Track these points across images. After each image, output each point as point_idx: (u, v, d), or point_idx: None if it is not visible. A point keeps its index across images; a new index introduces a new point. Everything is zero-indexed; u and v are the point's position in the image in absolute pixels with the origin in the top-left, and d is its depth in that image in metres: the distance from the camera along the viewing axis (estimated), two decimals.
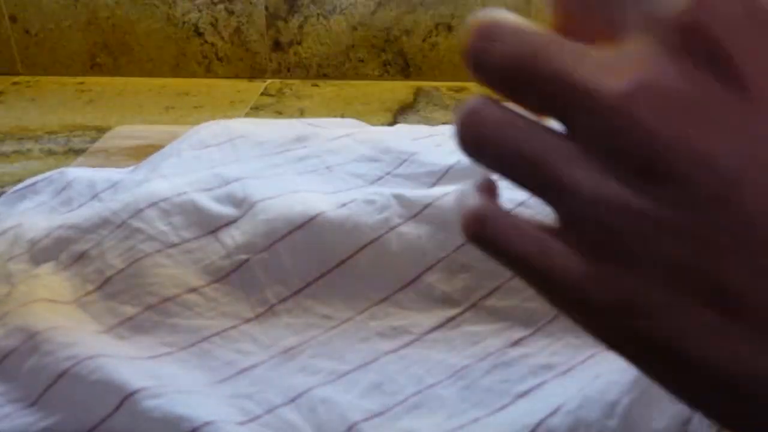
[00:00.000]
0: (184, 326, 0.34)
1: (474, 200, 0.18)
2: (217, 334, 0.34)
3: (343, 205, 0.39)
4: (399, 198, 0.39)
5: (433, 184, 0.44)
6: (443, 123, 0.69)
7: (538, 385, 0.30)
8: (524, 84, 0.16)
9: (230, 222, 0.39)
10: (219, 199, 0.40)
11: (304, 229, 0.38)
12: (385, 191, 0.40)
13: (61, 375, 0.29)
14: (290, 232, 0.38)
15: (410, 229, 0.38)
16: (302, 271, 0.37)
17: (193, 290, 0.36)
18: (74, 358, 0.30)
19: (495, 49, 0.16)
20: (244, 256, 0.37)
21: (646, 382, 0.25)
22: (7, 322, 0.33)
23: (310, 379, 0.31)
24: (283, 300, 0.36)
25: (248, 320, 0.35)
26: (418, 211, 0.39)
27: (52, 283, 0.36)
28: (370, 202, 0.40)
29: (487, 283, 0.36)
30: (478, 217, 0.17)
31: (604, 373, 0.29)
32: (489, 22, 0.17)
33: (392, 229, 0.38)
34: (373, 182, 0.45)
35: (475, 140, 0.17)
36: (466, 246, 0.37)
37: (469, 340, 0.33)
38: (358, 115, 0.72)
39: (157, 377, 0.29)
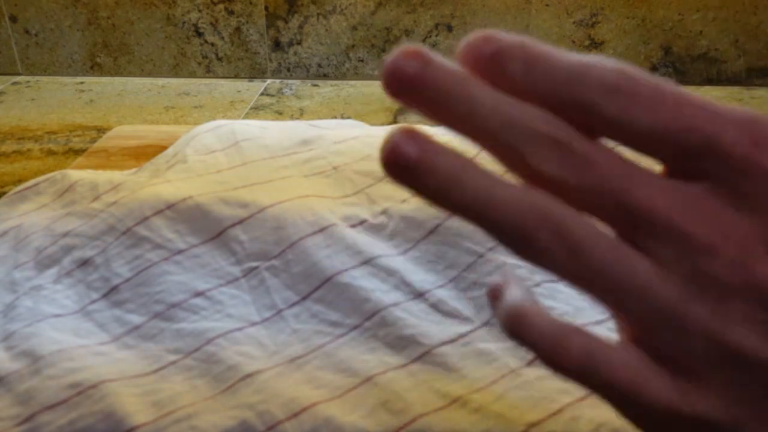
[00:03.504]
0: (189, 330, 0.34)
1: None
2: (221, 335, 0.33)
3: (353, 227, 0.40)
4: (408, 221, 0.40)
5: None
6: None
7: (554, 413, 0.29)
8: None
9: (236, 223, 0.39)
10: (226, 202, 0.40)
11: (315, 237, 0.38)
12: (394, 212, 0.41)
13: (63, 401, 0.29)
14: (301, 239, 0.38)
15: (421, 253, 0.39)
16: (311, 275, 0.37)
17: (200, 294, 0.36)
18: (78, 386, 0.30)
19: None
20: (254, 264, 0.37)
21: None
22: (14, 345, 0.33)
23: (315, 393, 0.30)
24: (292, 305, 0.36)
25: (254, 323, 0.35)
26: (428, 233, 0.39)
27: (56, 294, 0.36)
28: (381, 226, 0.41)
29: None
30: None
31: None
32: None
33: (404, 253, 0.39)
34: (381, 179, 0.45)
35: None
36: (475, 264, 0.37)
37: (483, 359, 0.33)
38: (358, 115, 0.72)
39: (159, 405, 0.30)
